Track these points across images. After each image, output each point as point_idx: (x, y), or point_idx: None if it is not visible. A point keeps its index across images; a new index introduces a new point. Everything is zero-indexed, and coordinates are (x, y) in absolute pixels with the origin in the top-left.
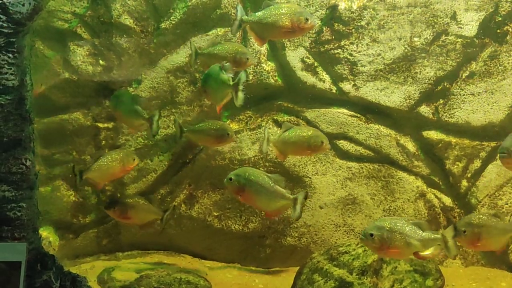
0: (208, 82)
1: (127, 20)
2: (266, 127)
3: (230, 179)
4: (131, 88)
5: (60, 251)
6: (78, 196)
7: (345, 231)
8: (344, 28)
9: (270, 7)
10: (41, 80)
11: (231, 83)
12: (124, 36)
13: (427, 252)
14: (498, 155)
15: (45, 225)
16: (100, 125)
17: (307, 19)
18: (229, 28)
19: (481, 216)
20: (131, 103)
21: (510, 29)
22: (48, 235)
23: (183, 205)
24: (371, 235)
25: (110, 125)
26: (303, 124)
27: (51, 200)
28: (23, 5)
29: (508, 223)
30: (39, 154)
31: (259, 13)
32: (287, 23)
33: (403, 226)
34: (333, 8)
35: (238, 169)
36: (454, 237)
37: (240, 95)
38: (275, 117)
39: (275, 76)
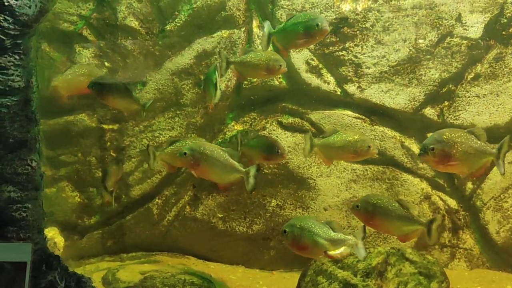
0: (203, 81)
1: (133, 22)
2: (309, 131)
3: (185, 153)
4: (136, 90)
5: (65, 252)
6: (83, 197)
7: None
8: (349, 30)
9: (291, 18)
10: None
11: (214, 82)
12: (130, 38)
13: (336, 252)
14: (418, 152)
15: (50, 226)
16: (105, 126)
17: (318, 25)
18: (233, 30)
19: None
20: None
21: None
22: (53, 236)
23: (187, 207)
24: (284, 231)
25: (115, 126)
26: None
27: (56, 201)
28: (29, 7)
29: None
30: (44, 155)
31: (282, 26)
32: (302, 32)
33: (313, 226)
34: (345, 20)
35: (192, 143)
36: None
37: (218, 93)
38: (279, 119)
39: (279, 77)
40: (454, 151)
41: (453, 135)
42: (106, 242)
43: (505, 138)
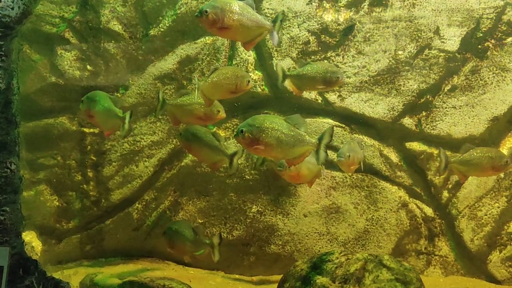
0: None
1: (116, 26)
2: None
3: (180, 134)
4: (118, 94)
5: (43, 256)
6: (62, 201)
7: (329, 240)
8: (330, 40)
9: (307, 65)
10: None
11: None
12: (113, 42)
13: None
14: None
15: (28, 230)
16: (86, 130)
17: (338, 77)
18: (217, 37)
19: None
20: (107, 102)
21: (490, 45)
22: (31, 240)
23: (167, 212)
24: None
25: (96, 130)
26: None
27: (35, 204)
28: (12, 8)
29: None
30: (23, 158)
31: (299, 71)
32: (321, 80)
33: (180, 228)
34: (350, 27)
35: (187, 126)
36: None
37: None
38: None
39: (262, 85)
40: (263, 135)
41: (269, 120)
42: (85, 246)
43: (327, 128)
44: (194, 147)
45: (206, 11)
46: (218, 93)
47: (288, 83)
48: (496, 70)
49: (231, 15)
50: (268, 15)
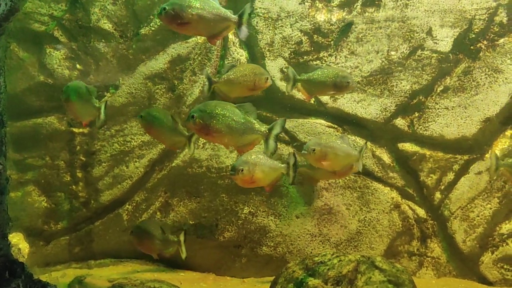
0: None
1: (106, 25)
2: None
3: (141, 116)
4: (109, 93)
5: (30, 258)
6: (51, 202)
7: (321, 241)
8: (323, 40)
9: (317, 70)
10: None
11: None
12: (103, 40)
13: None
14: (303, 151)
15: (15, 232)
16: (75, 130)
17: (348, 82)
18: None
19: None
20: (84, 92)
21: (483, 46)
22: (17, 242)
23: (158, 213)
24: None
25: (86, 130)
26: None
27: (22, 205)
28: None
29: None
30: (10, 158)
31: (309, 75)
32: (331, 85)
33: (148, 227)
34: (348, 25)
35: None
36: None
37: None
38: None
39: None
40: (214, 121)
41: (220, 107)
42: (74, 248)
43: (278, 119)
44: (154, 128)
45: (165, 8)
46: (235, 90)
47: (298, 88)
48: (489, 71)
49: (190, 10)
50: (261, 14)
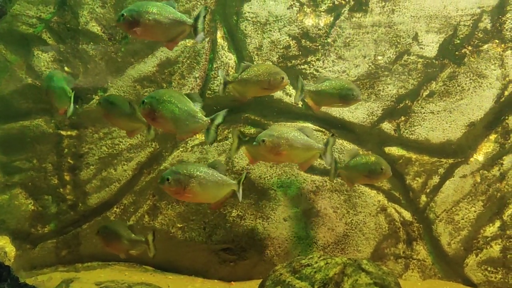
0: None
1: (95, 28)
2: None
3: (99, 103)
4: (97, 96)
5: (16, 262)
6: (38, 205)
7: (308, 244)
8: (311, 45)
9: (325, 81)
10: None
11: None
12: (91, 43)
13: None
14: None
15: (1, 235)
16: (63, 132)
17: (353, 95)
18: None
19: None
20: (62, 82)
21: (467, 52)
22: (4, 245)
23: (146, 216)
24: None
25: (74, 133)
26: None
27: (9, 208)
28: None
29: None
30: None
31: (317, 86)
32: (337, 96)
33: (116, 227)
34: (337, 15)
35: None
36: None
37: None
38: (242, 129)
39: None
40: (160, 107)
41: (168, 94)
42: (61, 251)
43: (221, 111)
44: (112, 115)
45: (123, 15)
46: (250, 90)
47: (307, 99)
48: (473, 76)
49: (147, 16)
50: (249, 19)
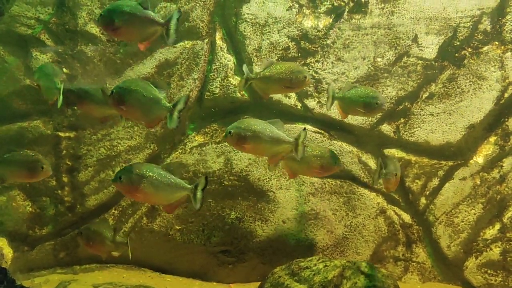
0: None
1: (93, 29)
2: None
3: (74, 91)
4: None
5: (13, 264)
6: (36, 207)
7: (307, 246)
8: (310, 46)
9: (352, 89)
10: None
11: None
12: (90, 44)
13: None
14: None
15: None
16: (62, 134)
17: (377, 103)
18: (196, 41)
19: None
20: (51, 74)
21: (467, 53)
22: (1, 247)
23: (144, 218)
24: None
25: (72, 134)
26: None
27: (6, 210)
28: None
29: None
30: None
31: (345, 93)
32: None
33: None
34: (341, 13)
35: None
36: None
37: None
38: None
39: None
40: (128, 95)
41: (135, 83)
42: (59, 253)
43: (182, 95)
44: (85, 103)
45: (101, 15)
46: (271, 87)
47: (335, 105)
48: (473, 78)
49: (121, 15)
50: (248, 20)
